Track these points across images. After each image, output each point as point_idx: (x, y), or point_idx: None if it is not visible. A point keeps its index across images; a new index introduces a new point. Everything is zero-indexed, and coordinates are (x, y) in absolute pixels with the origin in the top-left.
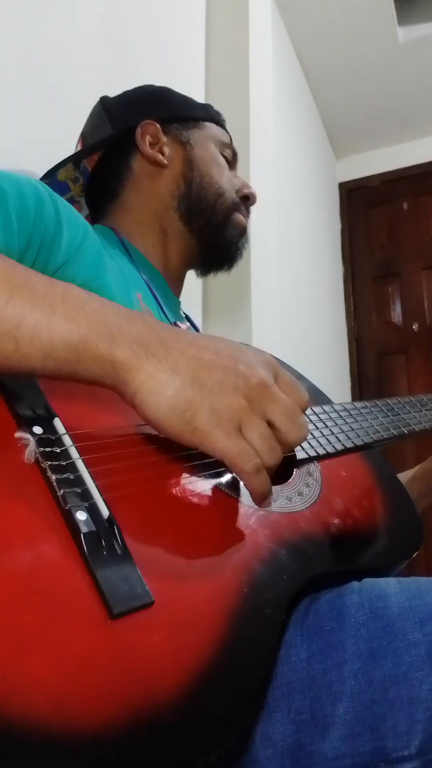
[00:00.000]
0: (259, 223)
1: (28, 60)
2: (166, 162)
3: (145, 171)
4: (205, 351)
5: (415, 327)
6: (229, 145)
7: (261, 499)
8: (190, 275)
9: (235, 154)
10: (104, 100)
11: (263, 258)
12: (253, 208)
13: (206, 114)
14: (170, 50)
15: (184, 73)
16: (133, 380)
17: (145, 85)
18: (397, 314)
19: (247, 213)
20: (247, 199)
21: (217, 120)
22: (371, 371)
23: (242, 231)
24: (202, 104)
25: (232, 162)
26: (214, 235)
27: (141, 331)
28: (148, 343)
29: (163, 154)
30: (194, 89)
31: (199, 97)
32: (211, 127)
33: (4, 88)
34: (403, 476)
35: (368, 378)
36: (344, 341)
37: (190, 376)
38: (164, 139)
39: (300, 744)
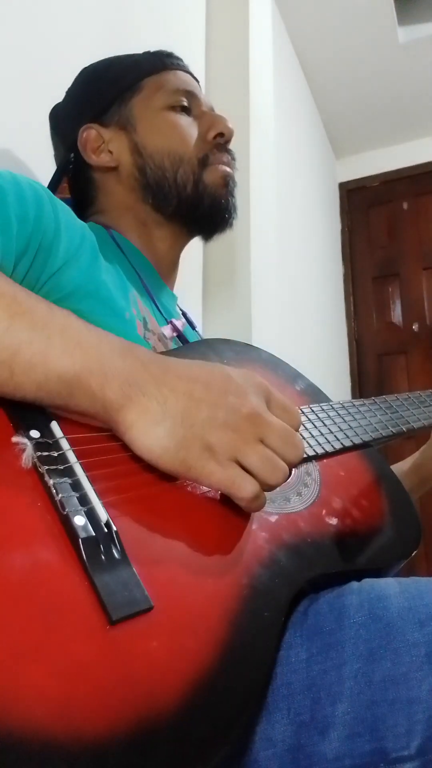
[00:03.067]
0: (259, 223)
1: (28, 61)
2: (114, 163)
3: (105, 178)
4: (195, 385)
5: (415, 327)
6: (179, 89)
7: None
8: (193, 275)
9: (191, 92)
10: (52, 115)
11: (263, 258)
12: (253, 208)
13: (140, 72)
14: (170, 50)
15: None
16: (123, 420)
17: (80, 73)
18: (397, 314)
19: (225, 153)
20: (221, 136)
21: (154, 68)
22: (371, 371)
23: (221, 184)
24: (134, 62)
25: (190, 104)
26: (191, 209)
27: (133, 369)
28: (139, 382)
29: (111, 152)
30: None
31: None
32: (151, 83)
33: (4, 88)
34: (397, 467)
35: (368, 378)
36: (344, 341)
37: (180, 415)
38: (107, 135)
39: (300, 745)
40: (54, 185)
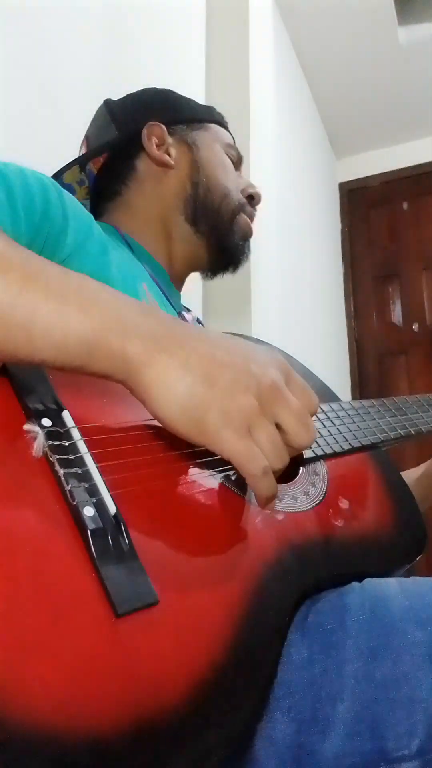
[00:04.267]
0: (259, 223)
1: (28, 62)
2: (173, 163)
3: (150, 172)
4: (218, 349)
5: (415, 327)
6: (233, 147)
7: (266, 501)
8: (192, 276)
9: (239, 156)
10: (108, 103)
11: (263, 258)
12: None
13: (210, 116)
14: (171, 51)
15: (184, 74)
16: (144, 376)
17: (149, 88)
18: (397, 315)
19: (253, 213)
20: (252, 199)
21: (221, 122)
22: (371, 372)
23: (247, 236)
24: (206, 106)
25: (236, 163)
26: (220, 238)
27: (154, 326)
28: (160, 339)
29: (169, 156)
30: (194, 90)
31: (200, 99)
32: (216, 129)
33: (4, 89)
34: (407, 475)
35: (369, 378)
36: (344, 342)
37: (201, 374)
38: (170, 140)
39: (300, 743)
40: (89, 158)
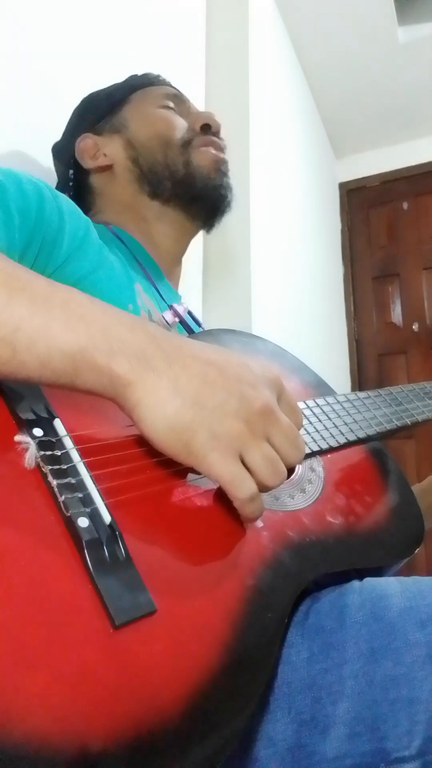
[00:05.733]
0: (259, 223)
1: (28, 61)
2: (110, 161)
3: (102, 181)
4: (210, 367)
5: (415, 327)
6: (166, 95)
7: (250, 522)
8: (192, 275)
9: (177, 93)
10: (53, 147)
11: (263, 258)
12: (253, 208)
13: (128, 88)
14: (170, 50)
15: (184, 74)
16: (131, 395)
17: (74, 108)
18: (397, 314)
19: (212, 140)
20: (208, 127)
21: (143, 83)
22: (371, 372)
23: (211, 166)
24: (124, 81)
25: (178, 108)
26: (186, 190)
27: (143, 342)
28: (149, 357)
29: (106, 156)
30: (194, 90)
31: (199, 99)
32: (138, 94)
33: (4, 88)
34: (416, 488)
35: (368, 378)
36: (344, 342)
37: (190, 396)
38: (101, 141)
39: (300, 744)
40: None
